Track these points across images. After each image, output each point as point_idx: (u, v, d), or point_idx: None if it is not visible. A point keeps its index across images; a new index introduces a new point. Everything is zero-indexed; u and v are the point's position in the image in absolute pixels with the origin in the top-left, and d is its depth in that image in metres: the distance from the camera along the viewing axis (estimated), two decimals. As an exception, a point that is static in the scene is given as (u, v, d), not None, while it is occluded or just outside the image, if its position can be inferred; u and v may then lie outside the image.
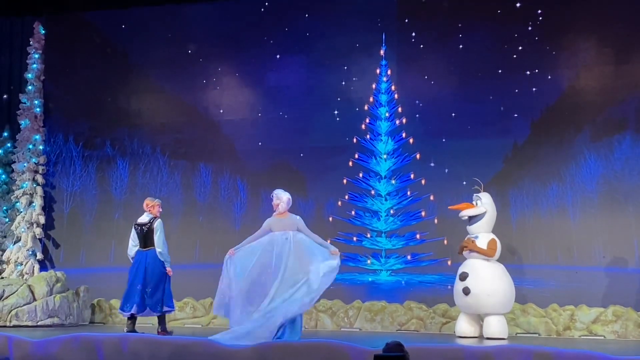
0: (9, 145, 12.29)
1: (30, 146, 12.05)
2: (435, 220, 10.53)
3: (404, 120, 10.90)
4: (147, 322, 9.55)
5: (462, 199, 9.57)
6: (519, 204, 10.24)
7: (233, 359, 6.81)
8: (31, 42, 12.36)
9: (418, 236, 10.58)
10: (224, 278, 7.88)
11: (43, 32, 12.47)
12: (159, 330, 8.59)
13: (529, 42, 10.44)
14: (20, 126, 12.19)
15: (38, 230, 11.85)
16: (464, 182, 10.06)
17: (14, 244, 11.78)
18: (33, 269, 11.60)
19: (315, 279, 7.61)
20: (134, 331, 8.45)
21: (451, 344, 7.69)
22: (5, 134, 12.40)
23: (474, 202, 9.21)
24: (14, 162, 12.12)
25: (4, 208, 12.06)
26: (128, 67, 12.19)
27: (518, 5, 10.58)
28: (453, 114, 10.66)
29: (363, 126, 11.05)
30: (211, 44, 11.83)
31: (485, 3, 10.70)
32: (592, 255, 9.87)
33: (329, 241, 8.40)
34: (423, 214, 10.61)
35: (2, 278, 11.36)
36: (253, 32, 11.64)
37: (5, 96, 12.70)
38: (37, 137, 12.13)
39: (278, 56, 11.56)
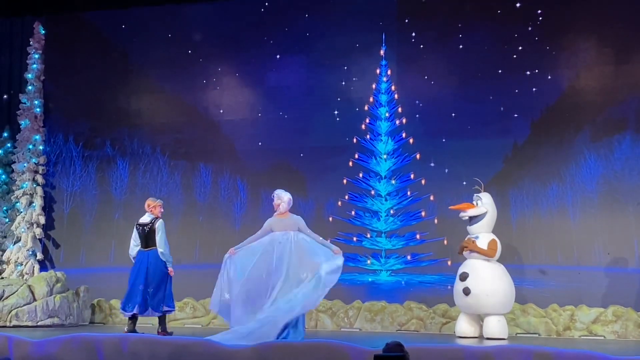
0: (9, 145, 12.29)
1: (30, 146, 12.05)
2: (435, 221, 10.53)
3: (404, 121, 10.90)
4: (147, 322, 9.55)
5: (462, 199, 9.57)
6: (519, 204, 10.24)
7: (233, 359, 6.81)
8: (31, 42, 12.36)
9: (418, 236, 10.58)
10: (223, 277, 7.88)
11: (43, 32, 12.47)
12: (159, 331, 8.60)
13: (529, 42, 10.44)
14: (20, 126, 12.19)
15: (38, 231, 11.85)
16: (464, 182, 10.06)
17: (14, 244, 11.78)
18: (33, 269, 11.60)
19: (320, 278, 7.60)
20: (134, 331, 8.46)
21: (451, 344, 7.69)
22: (5, 134, 12.40)
23: (474, 202, 9.20)
24: (14, 162, 12.12)
25: (4, 208, 12.06)
26: (128, 67, 12.19)
27: (518, 5, 10.58)
28: (453, 114, 10.66)
29: (363, 126, 11.05)
30: (211, 44, 11.83)
31: (485, 3, 10.70)
32: (592, 255, 9.87)
33: (329, 241, 8.40)
34: (423, 214, 10.61)
35: (2, 278, 11.36)
36: (253, 32, 11.64)
37: (5, 96, 12.70)
38: (37, 137, 12.13)
39: (278, 56, 11.56)
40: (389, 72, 11.08)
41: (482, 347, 7.24)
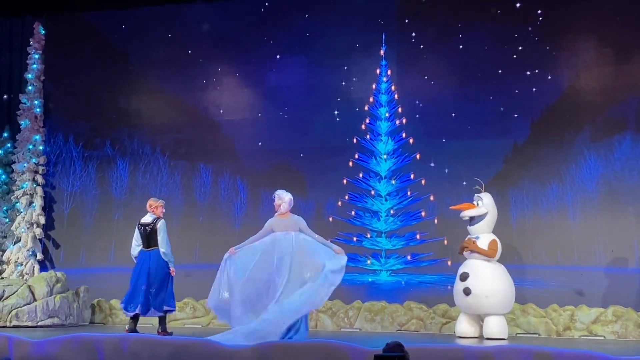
0: (9, 145, 12.29)
1: (30, 146, 12.05)
2: (435, 221, 10.53)
3: (404, 121, 10.91)
4: (147, 323, 9.55)
5: (462, 199, 9.57)
6: (519, 204, 10.24)
7: (233, 359, 6.81)
8: (31, 42, 12.36)
9: (418, 236, 10.58)
10: (222, 276, 7.87)
11: (43, 32, 12.48)
12: (159, 331, 8.60)
13: (529, 42, 10.44)
14: (20, 126, 12.19)
15: (38, 231, 11.85)
16: (464, 182, 10.07)
17: (14, 244, 11.78)
18: (33, 269, 11.60)
19: (324, 277, 7.60)
20: (135, 331, 8.46)
21: (451, 344, 7.69)
22: (5, 134, 12.40)
23: (475, 203, 9.20)
24: (14, 162, 12.12)
25: (4, 208, 12.06)
26: (128, 67, 12.20)
27: (518, 5, 10.58)
28: (453, 114, 10.66)
29: (363, 126, 11.05)
30: (211, 44, 11.83)
31: (485, 3, 10.71)
32: (592, 255, 9.87)
33: (329, 241, 8.39)
34: (423, 214, 10.61)
35: (2, 278, 11.36)
36: (253, 32, 11.64)
37: (5, 96, 12.70)
38: (37, 137, 12.13)
39: (278, 56, 11.56)
40: (389, 72, 11.09)
41: (482, 347, 7.24)
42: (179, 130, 11.92)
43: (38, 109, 12.23)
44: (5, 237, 11.96)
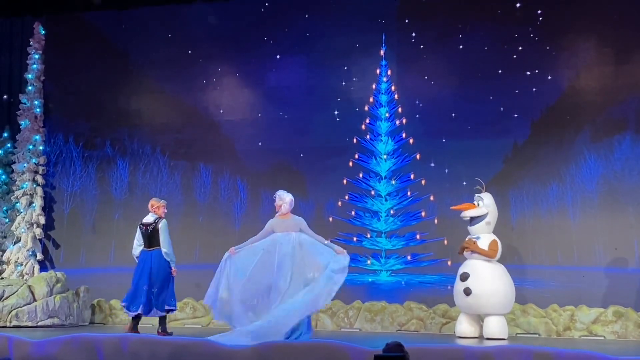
0: (9, 145, 12.29)
1: (30, 146, 12.05)
2: (436, 221, 10.53)
3: (404, 121, 10.91)
4: (147, 323, 9.55)
5: (463, 199, 9.58)
6: (519, 204, 10.24)
7: (233, 359, 6.81)
8: (31, 43, 12.36)
9: (418, 236, 10.58)
10: (222, 275, 7.86)
11: (43, 32, 12.48)
12: (159, 331, 8.60)
13: (529, 42, 10.44)
14: (20, 126, 12.19)
15: (38, 231, 11.85)
16: (464, 183, 10.08)
17: (14, 244, 11.77)
18: (33, 270, 11.60)
19: (328, 277, 7.59)
20: (136, 330, 8.45)
21: (451, 344, 7.69)
22: (6, 134, 12.40)
23: (475, 203, 9.19)
24: (14, 162, 12.12)
25: (4, 208, 12.06)
26: (128, 68, 12.20)
27: (518, 5, 10.58)
28: (453, 114, 10.66)
29: (363, 126, 11.05)
30: (211, 44, 11.83)
31: (485, 3, 10.71)
32: (592, 255, 9.87)
33: (329, 241, 8.38)
34: (423, 214, 10.61)
35: (2, 278, 11.36)
36: (253, 32, 11.64)
37: (5, 96, 12.70)
38: (37, 137, 12.13)
39: (278, 56, 11.56)
40: (389, 73, 11.08)
41: (482, 347, 7.24)
42: (179, 130, 11.92)
43: (38, 109, 12.23)
44: (5, 237, 11.96)
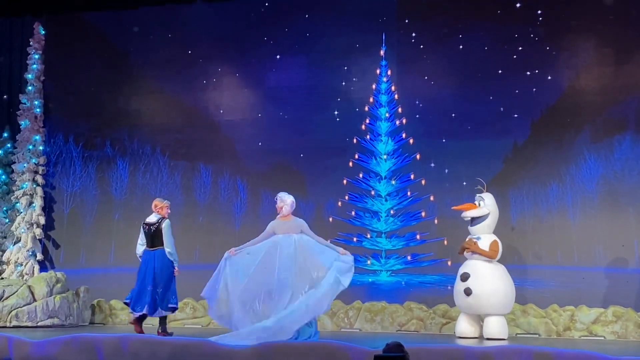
0: (9, 145, 12.30)
1: (30, 147, 12.05)
2: (436, 221, 10.53)
3: (404, 121, 10.91)
4: (148, 323, 9.54)
5: (463, 200, 9.58)
6: (519, 204, 10.24)
7: (233, 359, 6.81)
8: (31, 43, 12.37)
9: (418, 237, 10.58)
10: (220, 275, 7.85)
11: (43, 32, 12.48)
12: (159, 331, 8.60)
13: (529, 43, 10.44)
14: (20, 127, 12.19)
15: (38, 231, 11.85)
16: (464, 183, 10.09)
17: (14, 244, 11.77)
18: (33, 270, 11.60)
19: (334, 278, 7.57)
20: (142, 331, 8.45)
21: (451, 344, 7.69)
22: (5, 134, 12.40)
23: (476, 203, 9.18)
24: (14, 162, 12.12)
25: (4, 208, 12.06)
26: (128, 67, 12.20)
27: (518, 5, 10.58)
28: (453, 115, 10.66)
29: (363, 126, 11.05)
30: (211, 44, 11.83)
31: (485, 3, 10.71)
32: (592, 255, 9.87)
33: (329, 241, 8.38)
34: (423, 214, 10.61)
35: (2, 279, 11.36)
36: (253, 32, 11.64)
37: (5, 96, 12.70)
38: (37, 137, 12.13)
39: (278, 56, 11.57)
40: (389, 73, 11.08)
41: (482, 347, 7.24)
42: (179, 130, 11.91)
43: (38, 109, 12.23)
44: (5, 237, 11.97)
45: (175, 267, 8.68)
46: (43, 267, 11.79)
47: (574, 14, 10.33)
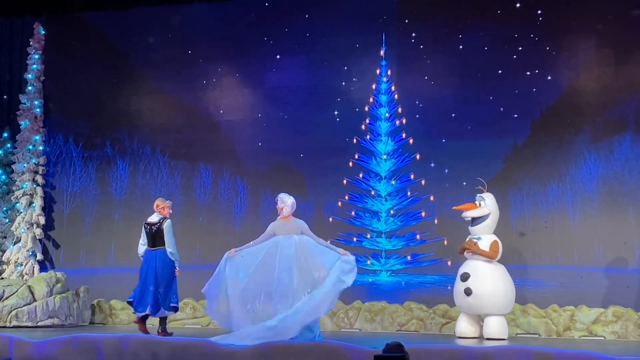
0: (9, 145, 12.29)
1: (30, 147, 12.05)
2: (436, 221, 10.53)
3: (404, 121, 10.90)
4: (148, 323, 9.53)
5: (463, 200, 9.57)
6: (519, 204, 10.24)
7: (233, 359, 6.81)
8: (31, 43, 12.36)
9: (418, 237, 10.58)
10: (220, 275, 7.85)
11: (43, 32, 12.47)
12: (159, 331, 8.61)
13: (529, 43, 10.44)
14: (20, 127, 12.19)
15: (38, 231, 11.85)
16: (464, 183, 10.09)
17: (14, 244, 11.77)
18: (33, 270, 11.59)
19: (336, 278, 7.57)
20: (146, 331, 8.45)
21: (451, 344, 7.70)
22: (5, 134, 12.40)
23: (476, 203, 9.18)
24: (14, 162, 12.12)
25: (4, 209, 12.06)
26: (128, 67, 12.19)
27: (518, 5, 10.58)
28: (453, 115, 10.66)
29: (363, 126, 11.05)
30: (211, 44, 11.82)
31: (485, 3, 10.71)
32: (593, 255, 9.87)
33: (329, 242, 8.38)
34: (423, 214, 10.61)
35: (2, 279, 11.35)
36: (253, 32, 11.64)
37: (5, 96, 12.70)
38: (37, 137, 12.13)
39: (278, 56, 11.56)
40: (389, 73, 11.08)
41: (482, 347, 7.24)
42: (179, 130, 11.91)
43: (38, 109, 12.23)
44: (5, 237, 11.96)
45: (176, 267, 8.69)
46: (43, 267, 11.79)
47: (574, 14, 10.33)
